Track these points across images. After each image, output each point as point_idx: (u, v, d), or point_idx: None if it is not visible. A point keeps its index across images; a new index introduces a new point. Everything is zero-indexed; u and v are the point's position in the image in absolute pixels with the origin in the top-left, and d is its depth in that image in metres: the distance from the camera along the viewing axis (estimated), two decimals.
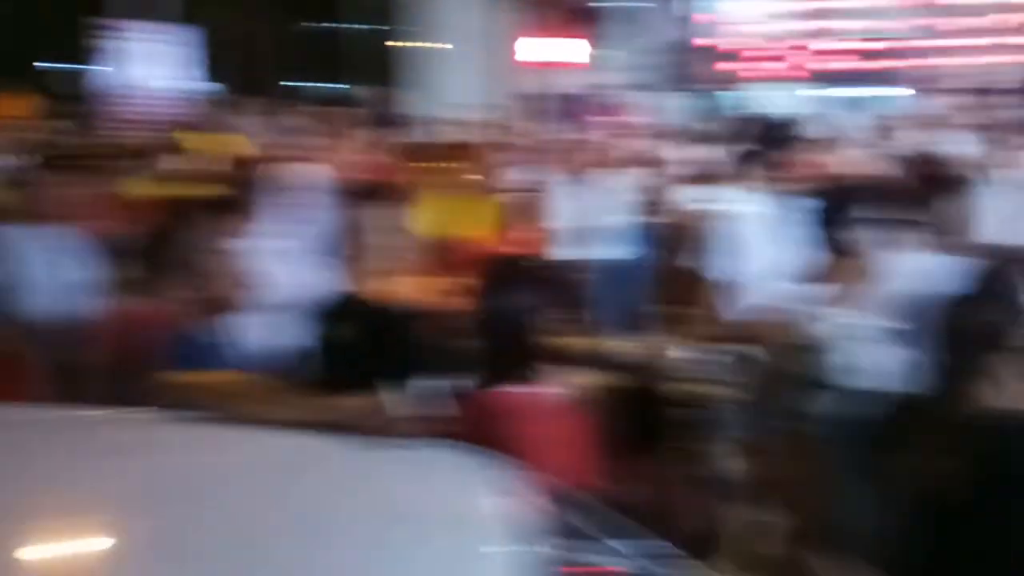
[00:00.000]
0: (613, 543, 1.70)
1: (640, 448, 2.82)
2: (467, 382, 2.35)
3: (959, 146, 5.18)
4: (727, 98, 11.05)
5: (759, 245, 3.39)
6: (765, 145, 3.58)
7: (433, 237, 3.29)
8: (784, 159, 3.55)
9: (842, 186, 3.35)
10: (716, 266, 3.39)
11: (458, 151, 4.66)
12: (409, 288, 2.59)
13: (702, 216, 3.50)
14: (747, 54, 11.46)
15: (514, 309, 2.44)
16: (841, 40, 11.20)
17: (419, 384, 2.19)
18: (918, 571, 1.99)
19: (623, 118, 8.58)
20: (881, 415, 2.66)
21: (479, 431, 2.11)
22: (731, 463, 3.22)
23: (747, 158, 3.57)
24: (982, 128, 5.40)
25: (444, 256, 3.32)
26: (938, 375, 2.10)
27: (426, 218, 3.49)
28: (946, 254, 2.87)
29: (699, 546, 2.40)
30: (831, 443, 2.88)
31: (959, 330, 2.03)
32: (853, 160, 4.80)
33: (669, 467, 2.99)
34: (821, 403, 2.93)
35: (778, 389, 3.05)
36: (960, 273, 2.29)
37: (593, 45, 11.58)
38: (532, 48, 11.37)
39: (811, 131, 4.92)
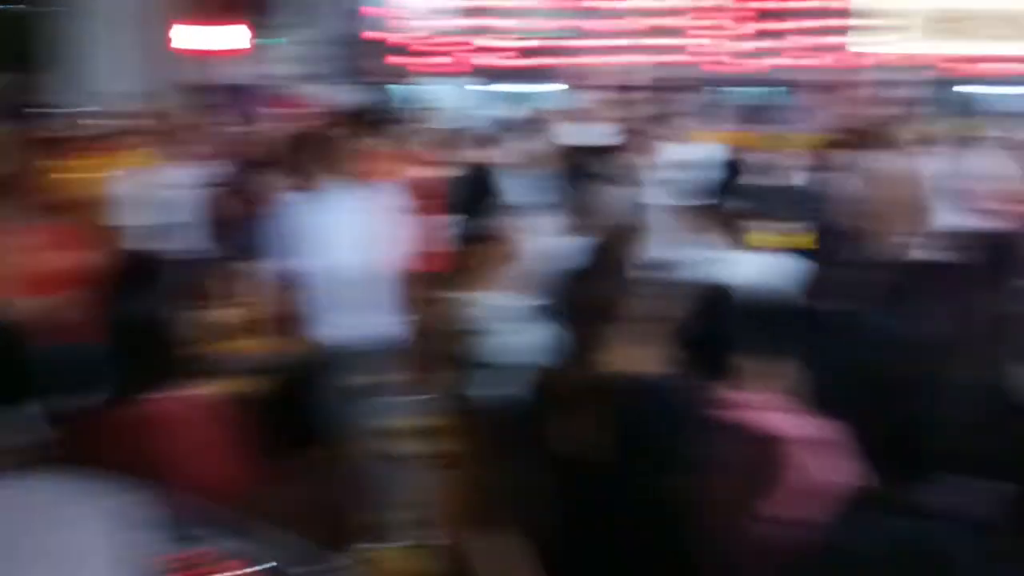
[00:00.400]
0: (245, 551, 1.62)
1: (291, 447, 2.75)
2: (96, 396, 2.14)
3: (602, 137, 5.65)
4: (396, 91, 11.20)
5: (334, 235, 3.40)
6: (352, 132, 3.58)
7: (53, 235, 2.98)
8: (371, 147, 3.58)
9: (482, 175, 3.49)
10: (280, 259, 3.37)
11: (99, 143, 4.29)
12: (19, 296, 2.31)
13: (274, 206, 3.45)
14: (414, 48, 11.71)
15: (145, 310, 2.27)
16: (503, 38, 11.82)
17: (28, 407, 1.96)
18: (566, 535, 2.11)
19: (295, 109, 8.38)
20: (529, 389, 2.81)
21: (111, 448, 1.94)
22: (389, 451, 3.25)
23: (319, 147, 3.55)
24: (622, 121, 5.92)
25: (64, 256, 3.01)
26: (569, 346, 2.25)
27: (52, 214, 3.16)
28: (576, 235, 3.10)
29: (353, 540, 2.39)
30: (488, 421, 3.00)
31: (578, 303, 2.20)
32: (502, 152, 5.04)
33: (322, 464, 2.95)
34: (476, 383, 3.04)
35: (433, 373, 3.13)
36: (583, 251, 2.48)
37: (262, 34, 11.20)
38: (191, 35, 10.76)
39: (464, 123, 5.07)
